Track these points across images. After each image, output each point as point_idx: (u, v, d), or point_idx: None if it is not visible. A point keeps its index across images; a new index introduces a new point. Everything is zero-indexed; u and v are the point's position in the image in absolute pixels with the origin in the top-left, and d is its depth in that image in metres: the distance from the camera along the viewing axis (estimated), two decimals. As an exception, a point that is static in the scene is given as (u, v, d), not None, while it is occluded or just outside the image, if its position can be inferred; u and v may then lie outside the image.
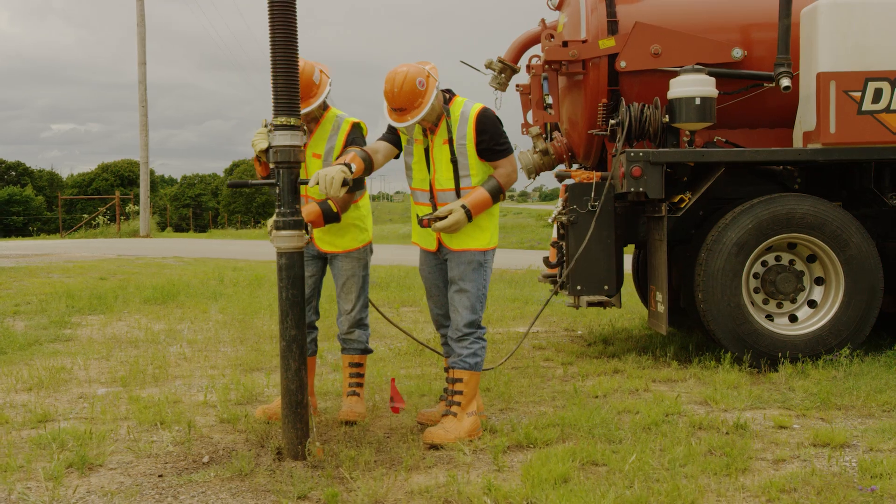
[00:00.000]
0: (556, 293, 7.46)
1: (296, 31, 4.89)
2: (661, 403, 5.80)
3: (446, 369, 5.72)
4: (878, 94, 6.96)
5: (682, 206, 7.11)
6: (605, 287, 7.45)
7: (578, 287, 7.40)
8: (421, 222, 5.27)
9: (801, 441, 4.97)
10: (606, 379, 6.70)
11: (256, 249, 28.50)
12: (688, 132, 7.34)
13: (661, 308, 7.12)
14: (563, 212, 7.63)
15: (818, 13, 7.07)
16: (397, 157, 5.52)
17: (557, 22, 8.36)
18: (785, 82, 7.12)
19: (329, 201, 5.50)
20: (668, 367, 7.10)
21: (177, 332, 9.52)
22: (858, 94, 6.95)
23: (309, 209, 5.45)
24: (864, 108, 6.97)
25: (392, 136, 5.44)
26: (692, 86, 7.12)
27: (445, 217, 5.13)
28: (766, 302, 7.29)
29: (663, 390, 6.36)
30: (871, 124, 6.97)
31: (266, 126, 5.51)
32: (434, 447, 5.05)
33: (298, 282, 4.93)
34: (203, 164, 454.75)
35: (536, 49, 8.46)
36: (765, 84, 7.53)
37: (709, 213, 7.46)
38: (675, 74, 7.49)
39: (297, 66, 4.86)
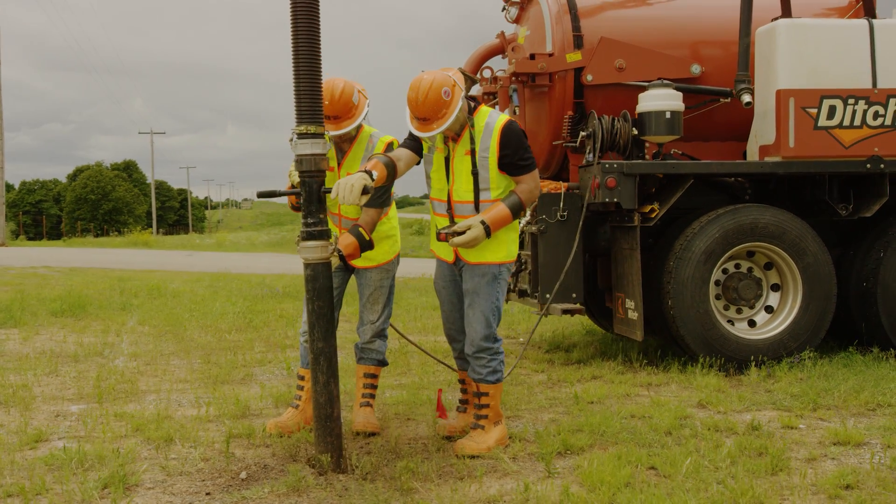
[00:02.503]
0: (546, 314, 7.54)
1: (319, 37, 4.76)
2: (666, 408, 5.99)
3: (460, 381, 5.76)
4: (832, 111, 7.39)
5: (653, 216, 7.35)
6: (574, 295, 7.64)
7: (547, 295, 7.56)
8: (438, 236, 5.14)
9: (820, 440, 5.24)
10: (593, 385, 6.86)
11: (126, 259, 27.62)
12: (656, 145, 7.59)
13: (634, 315, 7.34)
14: (531, 222, 7.76)
15: (777, 33, 7.45)
16: (418, 164, 5.47)
17: (516, 35, 8.50)
18: (746, 98, 7.47)
19: (361, 229, 5.43)
20: (643, 373, 7.32)
21: (114, 346, 9.18)
22: (815, 110, 7.36)
23: (345, 241, 5.37)
24: (819, 123, 7.38)
25: (414, 143, 5.32)
26: (662, 100, 7.38)
27: (463, 232, 5.02)
28: (726, 308, 7.62)
29: (652, 395, 6.56)
30: (826, 139, 7.39)
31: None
32: (461, 457, 5.06)
33: (324, 293, 4.85)
34: (41, 169, 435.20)
35: (493, 61, 8.58)
36: (721, 99, 7.87)
37: (667, 224, 7.74)
38: (637, 88, 7.76)
39: (320, 74, 4.77)
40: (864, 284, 7.67)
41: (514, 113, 7.77)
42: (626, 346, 8.30)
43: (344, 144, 5.58)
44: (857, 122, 7.42)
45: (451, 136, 5.19)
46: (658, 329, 7.85)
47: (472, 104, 5.22)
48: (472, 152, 5.14)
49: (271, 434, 5.56)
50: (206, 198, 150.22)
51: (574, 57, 7.75)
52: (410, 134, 5.31)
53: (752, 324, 7.64)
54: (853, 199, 7.64)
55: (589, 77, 7.81)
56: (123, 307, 12.71)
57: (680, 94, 7.47)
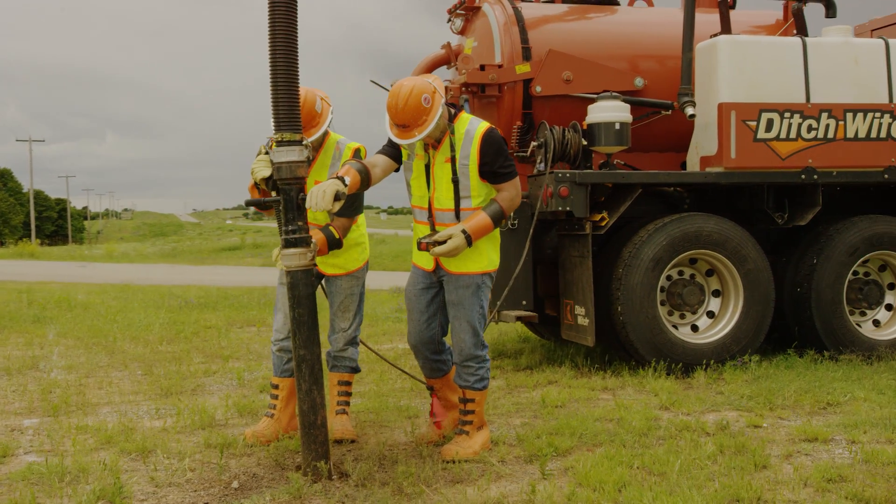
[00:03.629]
0: (496, 321, 7.62)
1: (296, 45, 4.71)
2: (632, 410, 6.16)
3: (429, 388, 5.76)
4: (770, 124, 7.72)
5: (603, 224, 7.54)
6: (524, 302, 7.77)
7: (499, 302, 7.66)
8: (419, 245, 5.13)
9: (788, 438, 5.48)
10: (553, 390, 6.99)
11: (15, 270, 26.71)
12: (605, 155, 7.79)
13: (585, 321, 7.50)
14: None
15: (718, 49, 7.75)
16: (397, 170, 5.45)
17: (462, 46, 8.61)
18: (690, 111, 7.74)
19: (331, 227, 5.42)
20: (596, 377, 7.48)
21: (45, 359, 8.91)
22: (754, 123, 7.68)
23: (315, 237, 5.35)
24: (758, 136, 7.71)
25: (392, 150, 5.29)
26: (611, 111, 7.59)
27: (444, 242, 5.01)
28: (670, 313, 7.87)
29: (613, 398, 6.73)
30: (765, 151, 7.72)
31: (266, 151, 5.38)
32: (450, 462, 5.11)
33: (305, 301, 4.82)
34: None
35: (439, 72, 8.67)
36: (663, 112, 8.13)
37: (611, 232, 7.93)
38: (582, 100, 7.96)
39: (298, 81, 4.75)
40: (798, 290, 8.02)
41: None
42: (571, 352, 8.46)
43: (311, 153, 5.55)
44: (793, 134, 7.77)
45: (431, 144, 5.16)
46: (603, 334, 8.03)
47: (453, 111, 5.21)
48: (453, 160, 5.11)
49: (250, 443, 5.51)
50: (84, 207, 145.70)
51: (523, 68, 7.90)
52: (389, 140, 5.31)
53: (694, 328, 7.91)
54: (788, 208, 7.98)
55: (538, 88, 7.97)
56: (37, 319, 12.33)
57: (628, 106, 7.69)
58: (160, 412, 6.52)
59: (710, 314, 7.94)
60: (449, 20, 8.74)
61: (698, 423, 5.75)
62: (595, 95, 7.91)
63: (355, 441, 5.60)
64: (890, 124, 7.97)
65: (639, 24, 8.70)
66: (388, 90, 8.38)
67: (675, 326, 7.81)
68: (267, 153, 5.35)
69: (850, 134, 7.88)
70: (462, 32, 8.71)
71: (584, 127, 7.70)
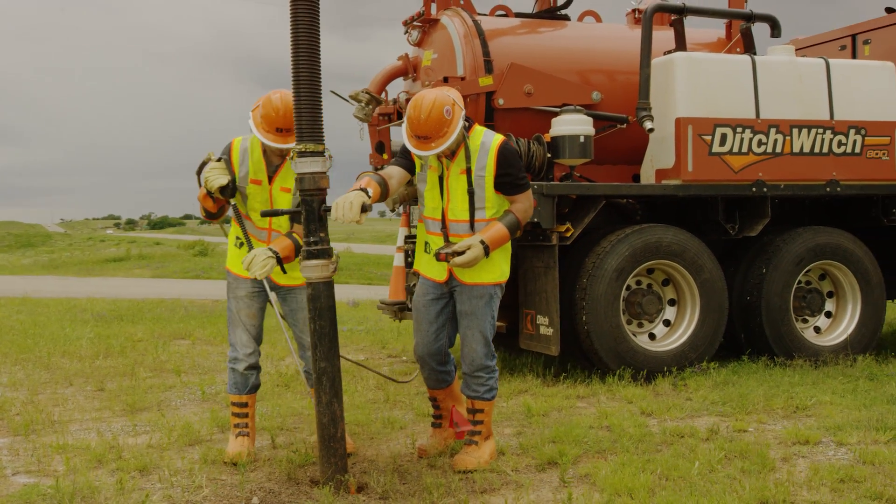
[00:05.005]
0: None
1: (319, 53, 4.73)
2: (616, 417, 6.29)
3: (431, 399, 5.77)
4: (723, 139, 8.01)
5: (568, 234, 7.67)
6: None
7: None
8: (437, 256, 5.15)
9: (780, 441, 5.69)
10: (527, 399, 7.06)
11: None
12: (568, 167, 7.93)
13: (548, 331, 7.60)
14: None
15: (675, 65, 8.01)
16: (410, 182, 5.49)
17: (420, 57, 8.64)
18: (649, 125, 7.95)
19: (295, 235, 5.38)
20: (562, 385, 7.60)
21: (-18, 376, 8.54)
22: (709, 137, 7.96)
23: (284, 244, 5.32)
24: (713, 150, 7.98)
25: (406, 162, 5.32)
26: (575, 125, 7.74)
27: (463, 252, 5.06)
28: (629, 322, 8.06)
29: (590, 406, 6.86)
30: (719, 164, 8.01)
31: (218, 160, 5.31)
32: (462, 472, 5.13)
33: (326, 312, 4.82)
34: None
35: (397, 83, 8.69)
36: (619, 125, 8.33)
37: (568, 243, 8.07)
38: (542, 113, 8.10)
39: (320, 91, 4.77)
40: (748, 298, 8.33)
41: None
42: (529, 362, 8.55)
43: (275, 158, 5.46)
44: (745, 149, 8.08)
45: (446, 154, 5.20)
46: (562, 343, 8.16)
47: (467, 123, 5.25)
48: (468, 171, 5.17)
49: (236, 462, 5.37)
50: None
51: (486, 81, 7.98)
52: (403, 151, 5.33)
53: (651, 337, 8.12)
54: (739, 219, 8.28)
55: (500, 101, 8.06)
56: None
57: (591, 120, 7.86)
58: (137, 429, 6.34)
59: (667, 322, 8.17)
60: (406, 31, 8.76)
61: (689, 429, 5.92)
62: (555, 109, 8.06)
63: (352, 454, 5.56)
64: (831, 140, 8.37)
65: (592, 39, 8.89)
66: (348, 100, 8.40)
67: (633, 335, 7.99)
68: (220, 160, 5.28)
69: (796, 149, 8.25)
70: (419, 44, 8.73)
71: (548, 139, 7.83)
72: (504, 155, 5.18)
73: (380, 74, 8.67)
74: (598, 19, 9.33)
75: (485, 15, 8.69)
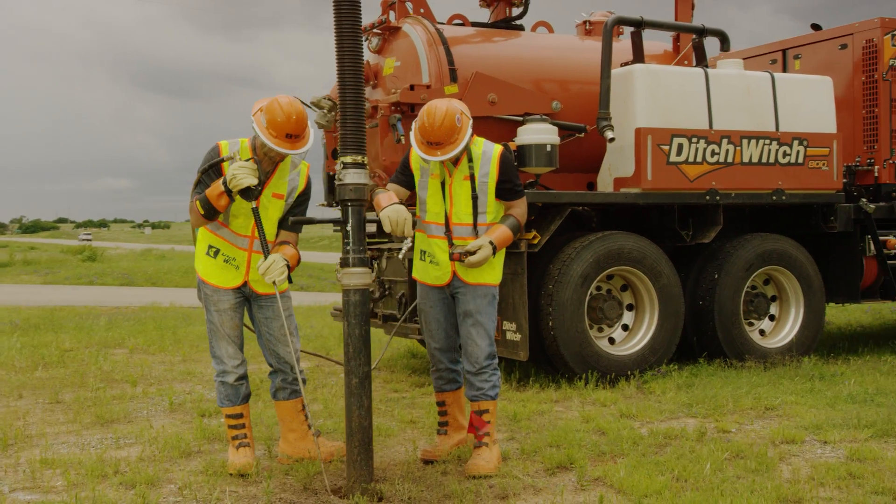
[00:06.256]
0: (393, 333, 7.65)
1: (362, 70, 4.98)
2: (600, 421, 6.44)
3: (439, 403, 5.86)
4: (680, 148, 8.27)
5: (536, 241, 7.80)
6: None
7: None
8: (451, 256, 5.37)
9: (769, 440, 5.92)
10: (506, 403, 7.14)
11: None
12: (534, 175, 8.06)
13: (516, 336, 7.71)
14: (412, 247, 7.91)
15: (634, 77, 8.23)
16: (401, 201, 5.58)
17: (381, 65, 8.64)
18: (610, 134, 8.15)
19: (290, 242, 5.50)
20: (531, 390, 7.72)
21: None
22: (667, 147, 8.21)
23: (291, 252, 5.40)
24: (670, 159, 8.24)
25: (404, 179, 5.58)
26: (542, 133, 7.88)
27: (475, 252, 5.30)
28: (591, 327, 8.24)
29: (564, 410, 6.99)
30: (676, 173, 8.27)
31: (248, 159, 5.24)
32: (475, 478, 5.20)
33: (367, 318, 4.94)
34: None
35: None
36: (577, 134, 8.51)
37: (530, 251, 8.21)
38: (503, 122, 8.22)
39: (364, 104, 4.89)
40: (701, 303, 8.62)
41: (399, 141, 7.89)
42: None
43: (267, 164, 5.43)
44: (699, 158, 8.36)
45: (451, 161, 5.42)
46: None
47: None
48: (472, 177, 5.42)
49: (244, 474, 5.32)
50: None
51: (452, 89, 8.05)
52: (402, 168, 5.56)
53: (611, 341, 8.32)
54: (692, 226, 8.56)
55: (465, 109, 8.13)
56: None
57: (556, 129, 8.01)
58: (120, 442, 6.19)
59: (625, 327, 8.38)
60: (366, 38, 8.74)
61: (680, 431, 6.11)
62: (518, 118, 8.19)
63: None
64: (777, 150, 8.72)
65: (549, 49, 9.05)
66: (310, 107, 8.35)
67: (595, 339, 8.17)
68: (249, 160, 5.24)
69: (746, 159, 8.57)
70: (379, 52, 8.73)
71: (514, 148, 7.94)
72: (505, 162, 5.49)
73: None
74: (551, 30, 9.50)
75: (443, 24, 8.75)
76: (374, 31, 8.70)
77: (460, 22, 9.03)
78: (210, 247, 5.43)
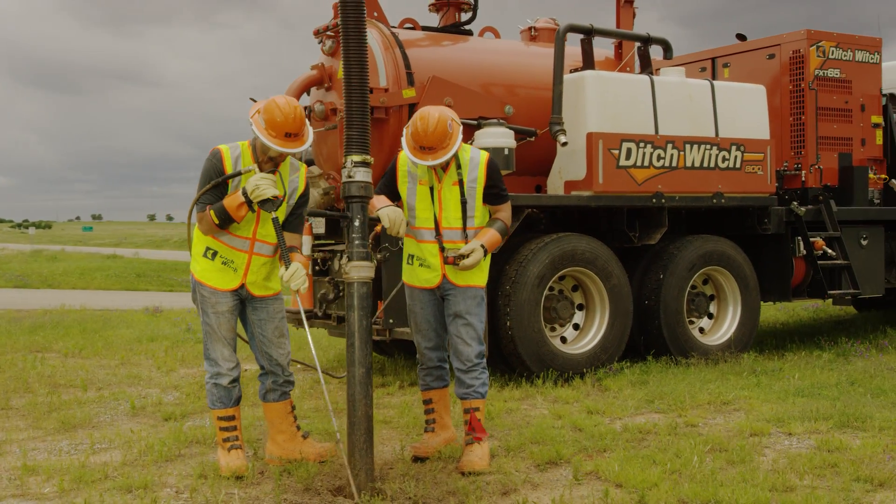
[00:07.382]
0: (389, 339, 7.70)
1: (367, 70, 5.07)
2: (570, 418, 6.63)
3: (426, 401, 5.96)
4: (629, 153, 8.54)
5: (495, 243, 7.94)
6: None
7: (391, 321, 7.85)
8: (447, 259, 5.51)
9: (737, 433, 6.19)
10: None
11: None
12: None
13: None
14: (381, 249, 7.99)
15: (585, 83, 8.47)
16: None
17: (335, 67, 8.66)
18: (563, 139, 8.35)
19: (293, 244, 5.58)
20: (496, 389, 7.85)
21: None
22: (617, 151, 8.47)
23: (302, 261, 5.50)
24: (620, 163, 8.50)
25: (389, 189, 5.71)
26: (500, 137, 8.04)
27: (468, 255, 5.47)
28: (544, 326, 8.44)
29: (530, 408, 7.16)
30: (625, 177, 8.53)
31: (272, 171, 5.30)
32: (469, 474, 5.33)
33: (372, 310, 5.15)
34: None
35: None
36: (527, 138, 8.70)
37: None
38: (465, 126, 8.35)
39: (368, 106, 5.00)
40: (647, 302, 8.91)
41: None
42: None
43: (267, 166, 5.44)
44: (647, 162, 8.64)
45: (441, 166, 5.55)
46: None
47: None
48: (461, 183, 5.57)
49: (239, 476, 5.33)
50: None
51: (409, 93, 8.15)
52: (385, 181, 5.71)
53: (563, 340, 8.54)
54: (639, 228, 8.85)
55: (423, 112, 8.23)
56: None
57: (513, 133, 8.18)
58: (97, 447, 6.10)
59: (576, 326, 8.61)
60: (320, 41, 8.75)
61: (652, 426, 6.34)
62: (473, 122, 8.32)
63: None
64: (716, 155, 9.08)
65: (499, 54, 9.22)
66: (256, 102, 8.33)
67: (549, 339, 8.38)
68: (272, 171, 5.29)
69: (689, 163, 8.90)
70: (333, 54, 8.73)
71: (472, 151, 8.07)
72: (492, 168, 5.69)
73: (295, 83, 8.62)
74: (497, 35, 9.68)
75: (395, 28, 8.83)
76: (328, 33, 8.71)
77: (411, 26, 9.13)
78: (208, 249, 5.41)
